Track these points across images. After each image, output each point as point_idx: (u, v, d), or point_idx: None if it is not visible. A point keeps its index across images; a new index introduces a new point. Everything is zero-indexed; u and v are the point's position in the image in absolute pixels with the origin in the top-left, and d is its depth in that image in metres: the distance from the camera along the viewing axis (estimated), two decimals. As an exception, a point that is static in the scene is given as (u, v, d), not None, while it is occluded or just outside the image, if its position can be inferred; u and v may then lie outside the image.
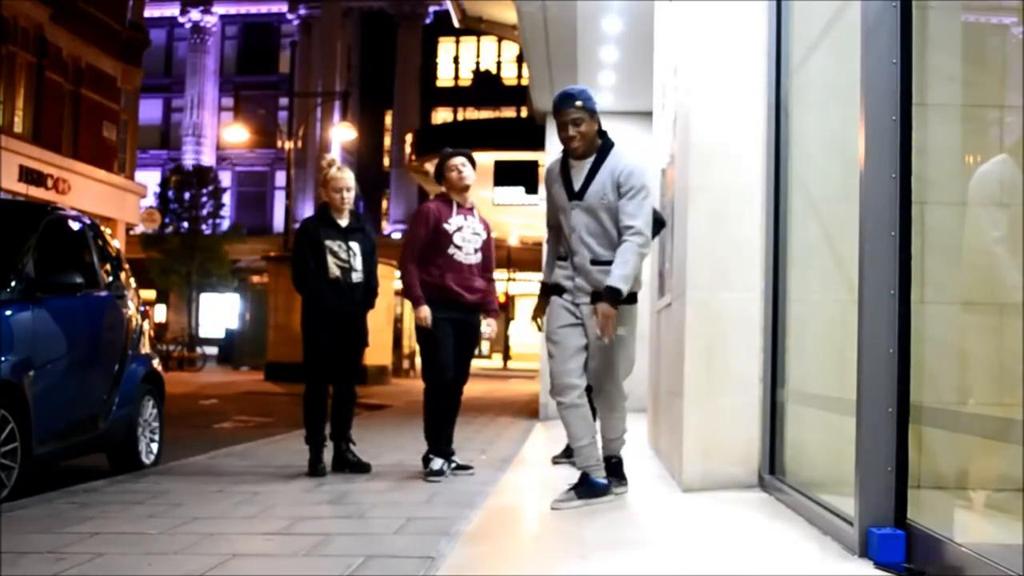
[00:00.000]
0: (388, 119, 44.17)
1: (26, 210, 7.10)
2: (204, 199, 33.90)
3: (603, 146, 4.54)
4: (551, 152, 10.44)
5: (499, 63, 43.09)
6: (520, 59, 35.17)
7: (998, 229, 3.39)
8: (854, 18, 3.47)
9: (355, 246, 5.77)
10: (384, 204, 43.91)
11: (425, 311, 5.56)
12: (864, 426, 3.26)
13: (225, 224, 36.39)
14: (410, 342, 24.13)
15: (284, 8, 44.22)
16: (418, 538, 3.79)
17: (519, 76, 39.90)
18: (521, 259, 34.64)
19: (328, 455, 5.80)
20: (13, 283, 5.11)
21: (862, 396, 3.28)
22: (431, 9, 42.88)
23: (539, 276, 4.92)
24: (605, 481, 4.58)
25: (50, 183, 22.33)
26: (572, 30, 9.01)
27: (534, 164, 20.04)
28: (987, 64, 3.73)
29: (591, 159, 4.52)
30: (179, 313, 37.17)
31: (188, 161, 39.79)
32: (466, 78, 43.65)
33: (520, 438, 8.50)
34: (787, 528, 3.91)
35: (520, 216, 25.24)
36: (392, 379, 21.19)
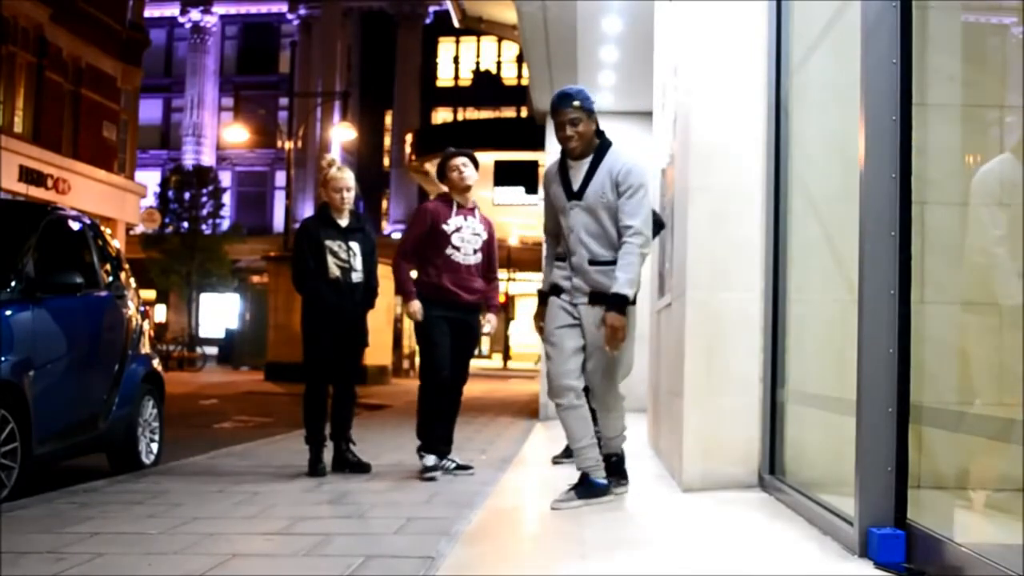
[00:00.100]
0: (388, 119, 44.18)
1: (26, 210, 7.10)
2: (204, 199, 33.91)
3: (601, 146, 4.54)
4: (551, 152, 10.44)
5: (499, 63, 43.09)
6: (520, 59, 35.17)
7: (999, 228, 3.39)
8: (854, 18, 3.47)
9: (355, 246, 5.77)
10: (384, 204, 43.92)
11: (415, 305, 5.63)
12: (864, 426, 3.26)
13: (225, 224, 36.40)
14: (410, 342, 24.14)
15: (284, 8, 44.22)
16: (418, 538, 3.79)
17: (519, 76, 39.91)
18: (521, 259, 34.66)
19: (328, 455, 5.80)
20: (13, 283, 5.11)
21: (862, 396, 3.28)
22: (431, 9, 42.89)
23: (539, 276, 4.92)
24: (605, 481, 4.58)
25: (50, 183, 22.33)
26: (572, 30, 9.00)
27: (534, 164, 20.04)
28: (987, 64, 3.73)
29: (589, 159, 4.52)
30: (179, 313, 37.17)
31: (188, 161, 39.80)
32: (466, 78, 43.66)
33: (520, 438, 8.50)
34: (787, 528, 3.91)
35: (520, 216, 25.26)
36: (392, 379, 21.20)
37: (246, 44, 44.86)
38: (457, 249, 5.67)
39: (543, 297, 4.71)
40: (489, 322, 5.92)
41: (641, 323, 5.21)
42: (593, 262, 4.48)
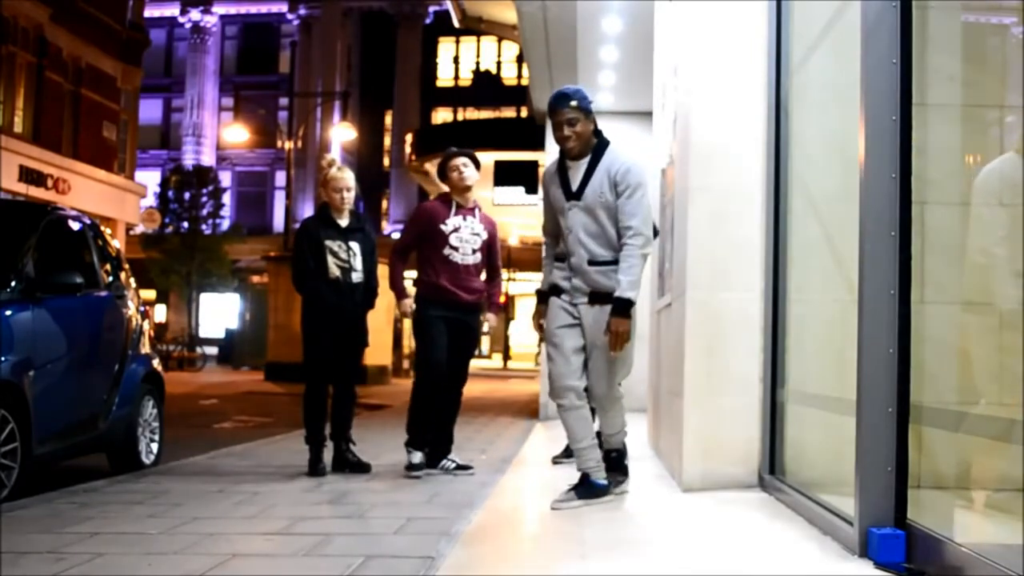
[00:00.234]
0: (388, 119, 44.17)
1: (26, 210, 7.10)
2: (204, 199, 33.91)
3: (599, 145, 4.54)
4: (551, 152, 10.43)
5: (499, 63, 43.09)
6: (520, 59, 35.16)
7: (1001, 228, 3.39)
8: (854, 18, 3.46)
9: (355, 246, 5.77)
10: (384, 204, 43.92)
11: (405, 303, 5.79)
12: (864, 426, 3.26)
13: (225, 224, 36.40)
14: (410, 342, 24.11)
15: (284, 8, 44.22)
16: (418, 538, 3.79)
17: (519, 76, 39.90)
18: (521, 259, 34.67)
19: (328, 455, 5.80)
20: (13, 283, 5.11)
21: (862, 396, 3.28)
22: (431, 9, 42.89)
23: (539, 276, 4.93)
24: (605, 482, 4.58)
25: (50, 183, 22.33)
26: (572, 30, 9.00)
27: (534, 164, 20.06)
28: (987, 64, 3.72)
29: (587, 159, 4.51)
30: (179, 313, 37.17)
31: (188, 161, 39.80)
32: (466, 78, 43.66)
33: (520, 438, 8.50)
34: (787, 528, 3.90)
35: (520, 216, 25.27)
36: (392, 379, 21.19)
37: (246, 44, 44.86)
38: (455, 249, 5.68)
39: (542, 296, 4.72)
40: (488, 320, 5.97)
41: (641, 323, 5.21)
42: (592, 262, 4.48)
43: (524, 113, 33.34)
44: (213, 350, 29.27)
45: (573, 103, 4.47)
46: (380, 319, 16.53)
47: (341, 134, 29.84)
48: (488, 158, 16.39)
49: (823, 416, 4.23)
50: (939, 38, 3.51)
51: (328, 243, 5.70)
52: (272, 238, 35.97)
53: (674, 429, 5.32)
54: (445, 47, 44.24)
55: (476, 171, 5.84)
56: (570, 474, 4.87)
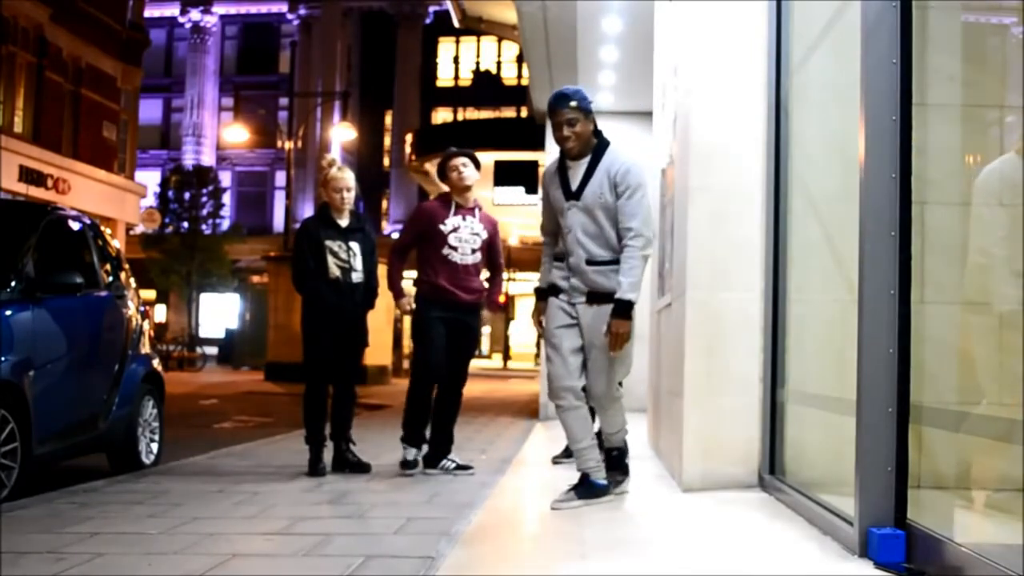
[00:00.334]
0: (388, 119, 44.17)
1: (26, 210, 7.10)
2: (204, 199, 33.92)
3: (599, 146, 4.54)
4: (551, 152, 10.43)
5: (499, 63, 43.09)
6: (520, 59, 35.16)
7: (1001, 228, 3.39)
8: (854, 18, 3.46)
9: (355, 246, 5.77)
10: (384, 204, 43.92)
11: (405, 301, 5.87)
12: (864, 426, 3.26)
13: (225, 224, 36.40)
14: (410, 342, 24.11)
15: (284, 8, 44.21)
16: (418, 538, 3.79)
17: (519, 76, 39.90)
18: (521, 259, 34.65)
19: (328, 455, 5.80)
20: (13, 283, 5.11)
21: (862, 396, 3.28)
22: (431, 9, 42.88)
23: (539, 276, 4.94)
24: (605, 482, 4.58)
25: (50, 183, 22.33)
26: (572, 30, 9.00)
27: (534, 164, 20.06)
28: (987, 64, 3.72)
29: (587, 159, 4.52)
30: (179, 313, 37.17)
31: (188, 161, 39.80)
32: (466, 78, 43.66)
33: (520, 438, 8.50)
34: (787, 528, 3.90)
35: (520, 216, 25.27)
36: (392, 379, 21.18)
37: (246, 44, 44.86)
38: (454, 249, 5.69)
39: (541, 294, 4.72)
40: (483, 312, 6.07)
41: (641, 323, 5.21)
42: (591, 262, 4.48)
43: (524, 113, 33.34)
44: (213, 350, 29.28)
45: (573, 103, 4.47)
46: (380, 319, 16.52)
47: (341, 134, 29.84)
48: (488, 158, 16.39)
49: (823, 416, 4.23)
50: (939, 38, 3.51)
51: (328, 243, 5.70)
52: (272, 238, 35.98)
53: (674, 429, 5.32)
54: (445, 47, 44.24)
55: (476, 171, 5.84)
56: (570, 474, 4.87)
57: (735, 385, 4.88)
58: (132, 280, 6.75)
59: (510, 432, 9.18)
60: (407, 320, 6.14)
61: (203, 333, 33.63)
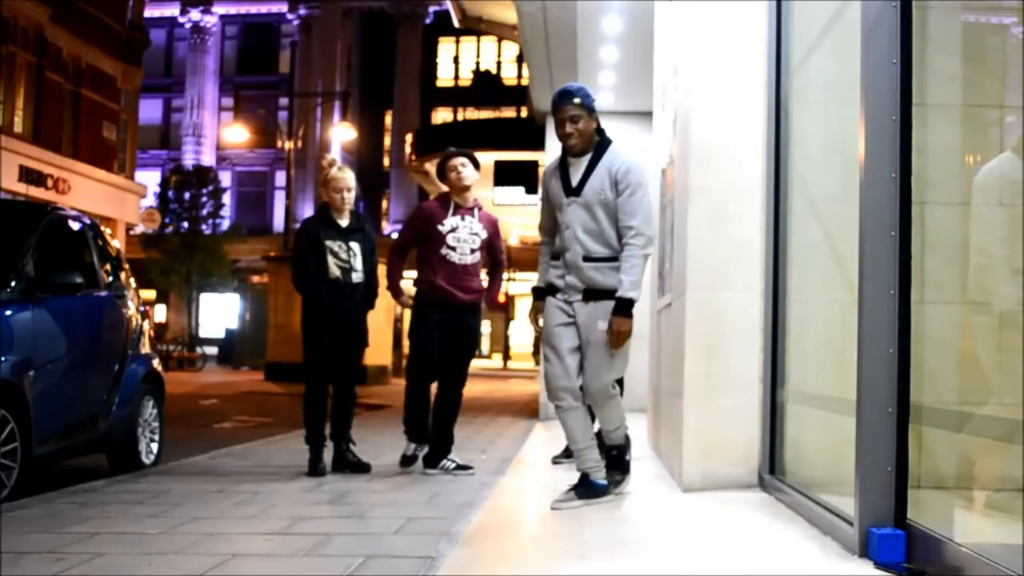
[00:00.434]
0: (388, 119, 44.17)
1: (26, 210, 7.10)
2: (204, 199, 33.91)
3: (601, 143, 4.55)
4: (551, 152, 10.44)
5: (499, 63, 43.09)
6: (520, 59, 35.17)
7: (1000, 228, 3.39)
8: (854, 18, 3.46)
9: (355, 246, 5.77)
10: (384, 204, 43.92)
11: (404, 299, 5.99)
12: (864, 426, 3.26)
13: (225, 224, 36.39)
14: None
15: (284, 8, 44.21)
16: (418, 538, 3.79)
17: (519, 76, 39.90)
18: (521, 259, 34.62)
19: (328, 455, 5.80)
20: (13, 283, 5.11)
21: (862, 396, 3.28)
22: (431, 9, 42.88)
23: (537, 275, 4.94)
24: (605, 482, 4.58)
25: (50, 183, 22.33)
26: (572, 30, 9.00)
27: (534, 164, 20.05)
28: (987, 64, 3.72)
29: (589, 156, 4.52)
30: (179, 313, 37.16)
31: (188, 161, 39.79)
32: (466, 78, 43.66)
33: (520, 438, 8.50)
34: (787, 528, 3.90)
35: (520, 216, 25.25)
36: (392, 379, 21.18)
37: (246, 44, 44.85)
38: (452, 249, 5.70)
39: (539, 293, 4.73)
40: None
41: (641, 323, 5.21)
42: (587, 258, 4.47)
43: (524, 113, 33.34)
44: (213, 350, 29.27)
45: (576, 100, 4.48)
46: (380, 319, 16.53)
47: (341, 134, 29.84)
48: (488, 158, 16.40)
49: (823, 416, 4.23)
50: (939, 38, 3.51)
51: (328, 243, 5.70)
52: (272, 238, 35.98)
53: (674, 429, 5.32)
54: (445, 47, 44.23)
55: (475, 171, 5.85)
56: (570, 474, 4.87)
57: (735, 385, 4.88)
58: (132, 280, 6.75)
59: (510, 432, 9.18)
60: (407, 320, 6.17)
61: (203, 333, 33.63)
